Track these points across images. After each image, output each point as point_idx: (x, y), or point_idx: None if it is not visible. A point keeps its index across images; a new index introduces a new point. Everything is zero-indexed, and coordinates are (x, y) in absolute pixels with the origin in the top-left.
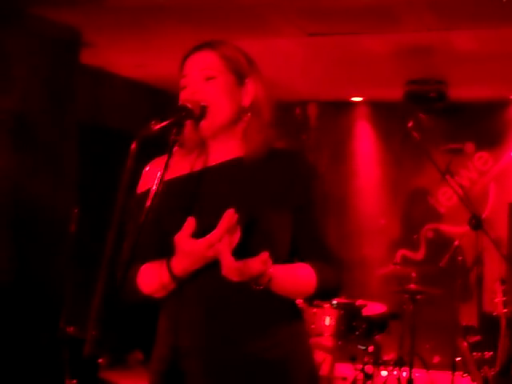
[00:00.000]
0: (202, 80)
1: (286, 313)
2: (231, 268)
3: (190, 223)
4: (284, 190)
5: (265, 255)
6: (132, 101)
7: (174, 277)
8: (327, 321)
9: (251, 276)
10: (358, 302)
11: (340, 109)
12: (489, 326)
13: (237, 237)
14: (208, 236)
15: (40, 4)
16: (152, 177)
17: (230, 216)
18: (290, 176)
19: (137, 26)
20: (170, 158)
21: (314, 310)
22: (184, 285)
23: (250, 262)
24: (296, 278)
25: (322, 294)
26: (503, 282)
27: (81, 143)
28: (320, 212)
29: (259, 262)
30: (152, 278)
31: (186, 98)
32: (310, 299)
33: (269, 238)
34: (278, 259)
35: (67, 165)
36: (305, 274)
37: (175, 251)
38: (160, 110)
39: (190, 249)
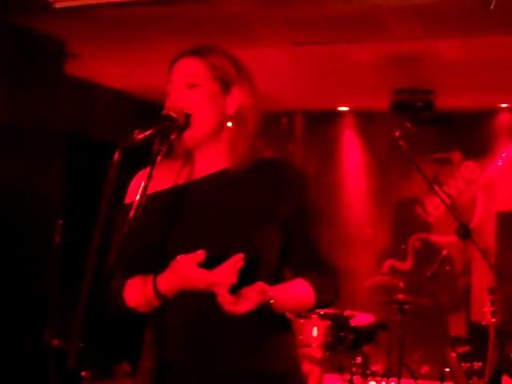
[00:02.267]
0: (185, 87)
1: (275, 326)
2: (229, 306)
3: (200, 255)
4: (273, 201)
5: (261, 285)
6: (117, 111)
7: (158, 293)
8: (315, 331)
9: (252, 309)
10: (346, 313)
11: (326, 119)
12: (477, 335)
13: (235, 279)
14: (210, 273)
15: (24, 14)
16: (138, 187)
17: (236, 261)
18: (280, 187)
19: (122, 37)
20: (153, 168)
21: (302, 320)
22: (170, 299)
23: (248, 294)
24: (295, 296)
25: (320, 307)
26: (491, 291)
27: (66, 154)
28: (313, 222)
29: (257, 293)
30: (137, 293)
31: (169, 104)
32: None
33: (258, 251)
34: (267, 271)
35: (52, 176)
36: (303, 292)
37: (168, 268)
38: (146, 121)
39: (187, 274)
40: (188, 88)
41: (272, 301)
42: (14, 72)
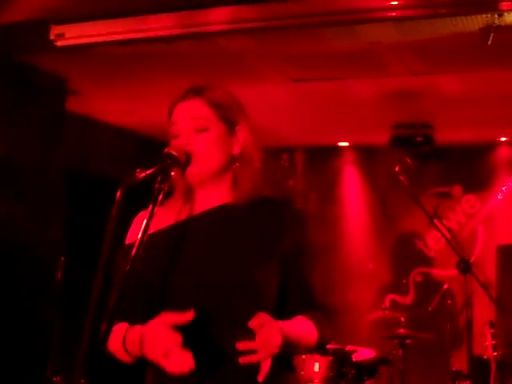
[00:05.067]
0: (194, 131)
1: (277, 364)
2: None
3: (187, 317)
4: (272, 240)
5: (263, 317)
6: (119, 148)
7: (124, 346)
8: (316, 367)
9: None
10: (347, 348)
11: (327, 154)
12: (479, 369)
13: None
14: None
15: (26, 52)
16: (140, 227)
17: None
18: (278, 225)
19: (123, 74)
20: (154, 206)
21: (303, 356)
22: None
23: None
24: (302, 333)
25: (321, 345)
26: (492, 325)
27: (67, 191)
28: (308, 261)
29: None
30: (115, 342)
31: (176, 145)
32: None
33: (255, 290)
34: (266, 308)
35: (54, 212)
36: (308, 329)
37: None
38: (147, 158)
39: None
40: (197, 132)
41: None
42: (15, 109)
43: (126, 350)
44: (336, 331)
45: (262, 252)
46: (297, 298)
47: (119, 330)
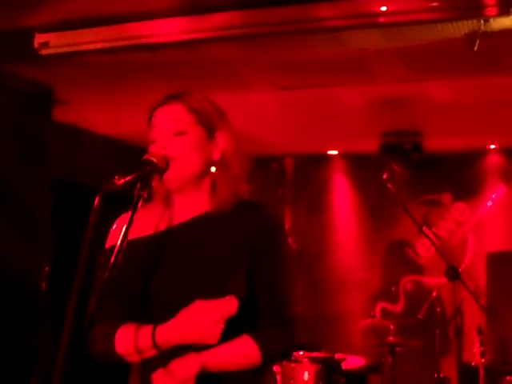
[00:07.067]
0: (172, 135)
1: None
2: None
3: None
4: (243, 245)
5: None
6: (106, 158)
7: (155, 345)
8: (306, 376)
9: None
10: (337, 356)
11: (316, 162)
12: (468, 376)
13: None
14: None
15: (12, 61)
16: (119, 232)
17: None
18: (251, 229)
19: (109, 83)
20: (134, 212)
21: (293, 364)
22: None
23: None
24: (233, 358)
25: (270, 361)
26: (480, 331)
27: (54, 200)
28: (281, 266)
29: (184, 369)
30: (127, 342)
31: (155, 152)
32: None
33: (230, 295)
34: (240, 314)
35: (40, 222)
36: (244, 351)
37: (174, 319)
38: (135, 167)
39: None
40: (175, 136)
41: (203, 368)
42: (2, 118)
43: (154, 345)
44: (293, 344)
45: (233, 261)
46: (261, 304)
47: (127, 330)
